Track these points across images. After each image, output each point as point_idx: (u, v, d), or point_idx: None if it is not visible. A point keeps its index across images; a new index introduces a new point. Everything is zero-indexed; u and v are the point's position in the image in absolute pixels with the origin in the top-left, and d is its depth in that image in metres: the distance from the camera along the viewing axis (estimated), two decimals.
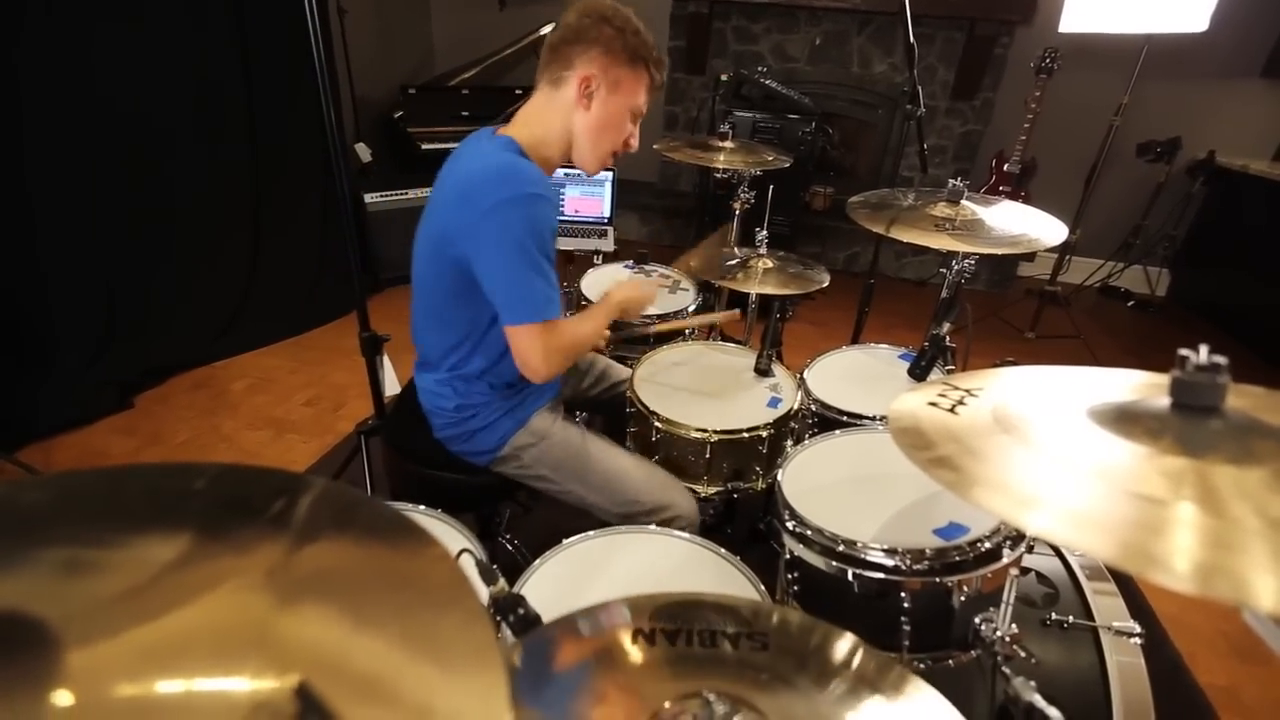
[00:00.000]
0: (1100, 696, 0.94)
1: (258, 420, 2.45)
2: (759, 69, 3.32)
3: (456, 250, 1.12)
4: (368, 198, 3.19)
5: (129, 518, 0.38)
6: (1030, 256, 3.84)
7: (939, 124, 3.79)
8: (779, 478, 1.05)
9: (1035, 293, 3.43)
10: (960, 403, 0.63)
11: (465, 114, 3.76)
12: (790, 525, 0.94)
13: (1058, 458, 0.53)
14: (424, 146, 3.56)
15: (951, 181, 1.36)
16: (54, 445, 2.23)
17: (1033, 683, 0.72)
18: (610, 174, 2.39)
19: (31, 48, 2.15)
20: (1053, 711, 0.68)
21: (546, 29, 3.98)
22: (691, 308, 1.85)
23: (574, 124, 1.18)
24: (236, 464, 0.44)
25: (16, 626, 0.28)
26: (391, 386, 1.65)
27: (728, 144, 1.91)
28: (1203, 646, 1.69)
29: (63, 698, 0.25)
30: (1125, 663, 0.96)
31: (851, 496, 1.02)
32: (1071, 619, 0.97)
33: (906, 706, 0.59)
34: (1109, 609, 1.02)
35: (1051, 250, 1.25)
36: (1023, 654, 0.77)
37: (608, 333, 1.39)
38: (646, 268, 2.06)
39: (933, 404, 0.63)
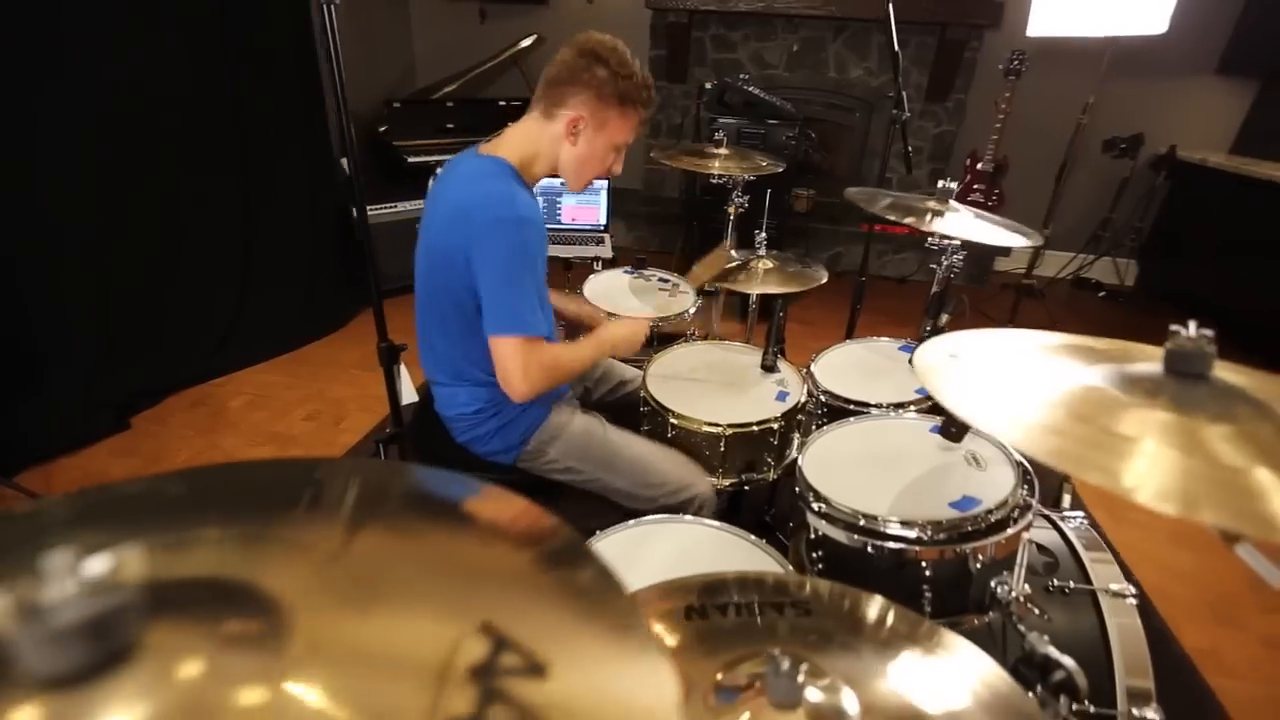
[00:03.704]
0: (1103, 656, 1.01)
1: (258, 437, 2.45)
2: (740, 76, 3.40)
3: (458, 268, 1.18)
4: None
5: (284, 503, 0.43)
6: (1006, 251, 3.98)
7: (914, 125, 3.91)
8: (800, 462, 1.11)
9: (1012, 286, 3.55)
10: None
11: (450, 126, 3.79)
12: (815, 506, 1.01)
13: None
14: (410, 160, 3.58)
15: (940, 182, 1.43)
16: (53, 468, 2.22)
17: (1046, 636, 0.79)
18: (605, 182, 2.45)
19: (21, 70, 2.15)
20: (1067, 660, 0.75)
21: (527, 41, 4.02)
22: (691, 310, 1.91)
23: (560, 153, 1.25)
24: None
25: (244, 593, 0.33)
26: (408, 395, 1.69)
27: (722, 151, 1.98)
28: (1183, 614, 1.79)
29: (297, 645, 0.30)
30: (1124, 624, 1.03)
31: (869, 476, 1.08)
32: (1072, 584, 1.05)
33: (944, 659, 0.65)
34: (1105, 574, 1.09)
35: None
36: (1036, 612, 0.83)
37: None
38: (646, 272, 2.12)
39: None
